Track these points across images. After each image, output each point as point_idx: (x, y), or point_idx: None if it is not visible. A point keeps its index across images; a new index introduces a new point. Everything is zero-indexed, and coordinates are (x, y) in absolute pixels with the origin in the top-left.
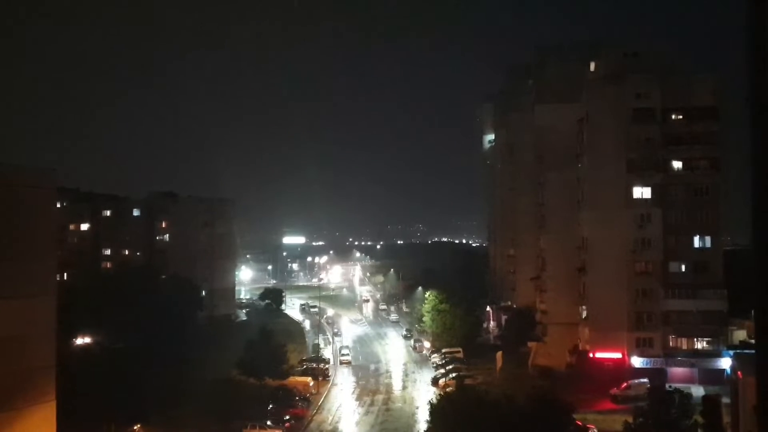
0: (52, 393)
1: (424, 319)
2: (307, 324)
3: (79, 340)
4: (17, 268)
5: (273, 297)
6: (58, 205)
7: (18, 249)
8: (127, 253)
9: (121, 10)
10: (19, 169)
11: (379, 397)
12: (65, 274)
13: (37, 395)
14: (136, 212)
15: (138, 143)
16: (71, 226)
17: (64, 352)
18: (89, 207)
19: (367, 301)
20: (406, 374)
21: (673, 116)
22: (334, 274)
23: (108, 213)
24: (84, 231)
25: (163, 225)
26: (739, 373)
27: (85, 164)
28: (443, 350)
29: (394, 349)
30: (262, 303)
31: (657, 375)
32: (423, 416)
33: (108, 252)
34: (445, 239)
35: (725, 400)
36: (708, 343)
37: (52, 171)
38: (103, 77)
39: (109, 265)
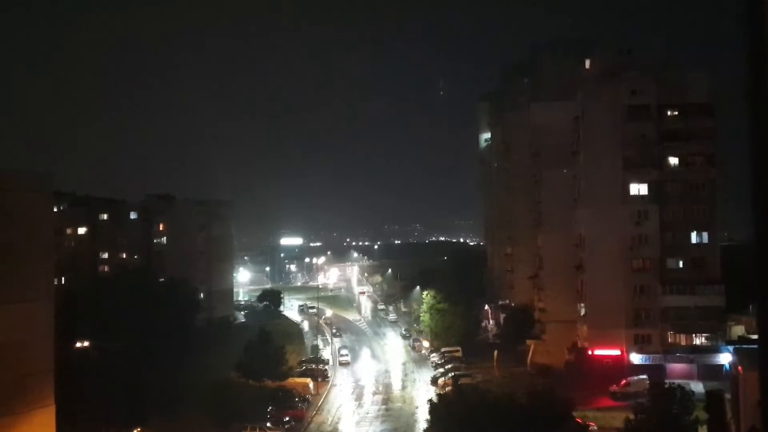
0: (50, 397)
1: (422, 318)
2: (305, 325)
3: (78, 344)
4: (14, 272)
5: (271, 298)
6: (55, 210)
7: (15, 254)
8: (124, 256)
9: (117, 12)
10: (16, 174)
11: (379, 398)
12: (63, 279)
13: (35, 400)
14: (133, 215)
15: (134, 146)
16: (68, 230)
17: (63, 356)
18: (86, 211)
19: (363, 293)
20: (405, 374)
21: (669, 113)
22: (332, 275)
23: (105, 216)
24: (81, 235)
25: (160, 228)
26: (739, 368)
27: (81, 168)
28: (442, 349)
29: (392, 349)
30: (260, 304)
31: (656, 371)
32: (423, 416)
33: (105, 255)
34: (442, 239)
35: (726, 395)
36: (706, 338)
37: (49, 175)
38: (98, 80)
39: (106, 268)
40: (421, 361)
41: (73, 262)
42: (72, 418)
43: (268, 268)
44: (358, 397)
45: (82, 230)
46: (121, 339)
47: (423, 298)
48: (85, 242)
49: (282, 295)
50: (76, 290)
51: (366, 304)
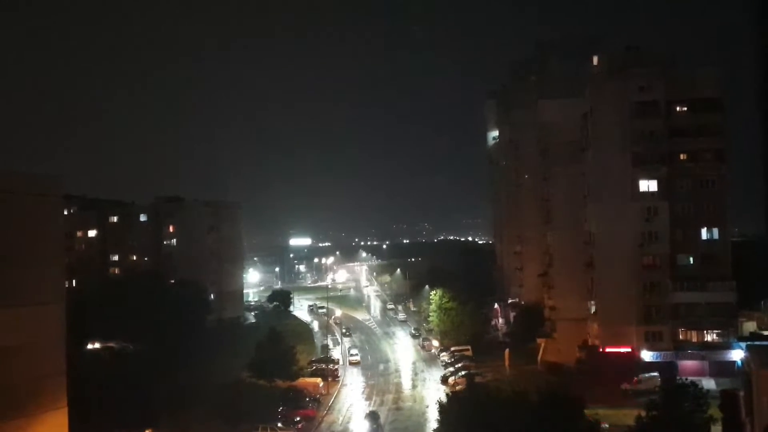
0: (63, 399)
1: (431, 317)
2: (315, 325)
3: (89, 346)
4: (26, 276)
5: (281, 299)
6: (66, 213)
7: (27, 257)
8: (134, 258)
9: (125, 13)
10: (26, 178)
11: (389, 397)
12: (74, 281)
13: (48, 402)
14: (142, 217)
15: (143, 148)
16: (79, 233)
17: (75, 358)
18: (96, 213)
19: (371, 290)
20: (415, 373)
21: (677, 109)
22: (340, 275)
23: (115, 219)
24: (91, 237)
25: (170, 229)
26: (752, 365)
27: (91, 171)
28: (452, 348)
29: (402, 349)
30: (270, 305)
31: (667, 368)
32: (433, 415)
33: (116, 258)
34: (451, 238)
35: (740, 393)
36: (718, 335)
37: (59, 178)
38: (106, 82)
39: (117, 270)
40: (430, 360)
41: (83, 265)
42: (84, 419)
43: (277, 269)
44: (369, 397)
45: (92, 233)
46: (132, 340)
47: (432, 297)
48: (96, 245)
49: (291, 296)
50: (87, 292)
51: (375, 304)
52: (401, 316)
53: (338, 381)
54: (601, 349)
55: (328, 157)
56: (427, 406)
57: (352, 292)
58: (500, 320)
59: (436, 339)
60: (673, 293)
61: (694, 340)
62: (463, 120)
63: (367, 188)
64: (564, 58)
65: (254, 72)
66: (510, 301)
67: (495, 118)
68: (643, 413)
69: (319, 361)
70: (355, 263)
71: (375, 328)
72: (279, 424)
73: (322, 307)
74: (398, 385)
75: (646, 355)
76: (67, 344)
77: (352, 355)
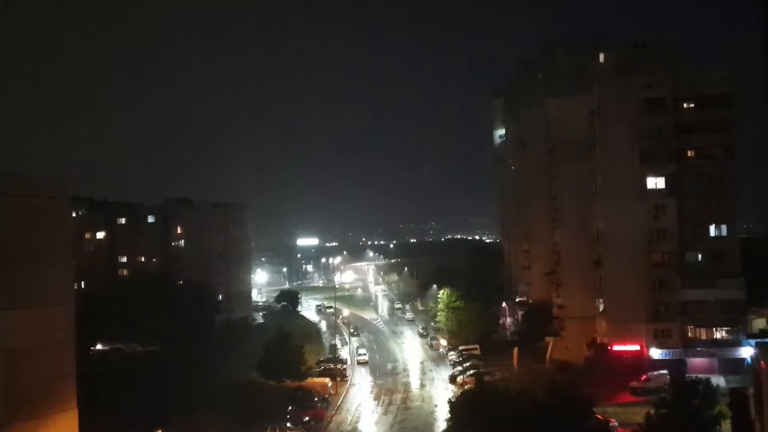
0: (73, 401)
1: (438, 316)
2: (323, 325)
3: (99, 347)
4: (35, 278)
5: (289, 299)
6: (74, 214)
7: (35, 259)
8: (143, 259)
9: (130, 15)
10: (34, 180)
11: (398, 396)
12: (83, 283)
13: (58, 404)
14: (150, 219)
15: (150, 150)
16: (87, 235)
17: (84, 359)
18: (104, 215)
19: (379, 289)
20: (423, 372)
21: (685, 105)
22: (348, 275)
23: (123, 220)
24: (100, 239)
25: (178, 231)
26: (762, 362)
27: (99, 173)
28: (460, 347)
29: (410, 348)
30: (278, 305)
31: (676, 366)
32: (442, 414)
33: (124, 259)
34: (458, 236)
35: (749, 391)
36: (727, 332)
37: (67, 180)
38: (114, 84)
39: (125, 272)
40: (438, 359)
41: (92, 267)
42: (94, 420)
43: (285, 269)
44: (377, 396)
45: (100, 234)
46: (141, 341)
47: (439, 297)
48: (104, 246)
49: (299, 296)
50: (97, 294)
51: (383, 303)
52: (409, 315)
53: (347, 381)
54: (609, 347)
55: (335, 158)
56: (436, 406)
57: (359, 291)
58: (508, 319)
59: (444, 338)
60: (682, 290)
61: (703, 337)
62: (471, 118)
63: (374, 187)
64: (571, 55)
65: (261, 72)
66: (518, 299)
67: (502, 116)
68: (653, 411)
69: (328, 360)
70: (363, 263)
71: (383, 327)
72: (288, 425)
73: (330, 307)
74: (407, 385)
75: (655, 353)
76: (76, 346)
77: (360, 354)
